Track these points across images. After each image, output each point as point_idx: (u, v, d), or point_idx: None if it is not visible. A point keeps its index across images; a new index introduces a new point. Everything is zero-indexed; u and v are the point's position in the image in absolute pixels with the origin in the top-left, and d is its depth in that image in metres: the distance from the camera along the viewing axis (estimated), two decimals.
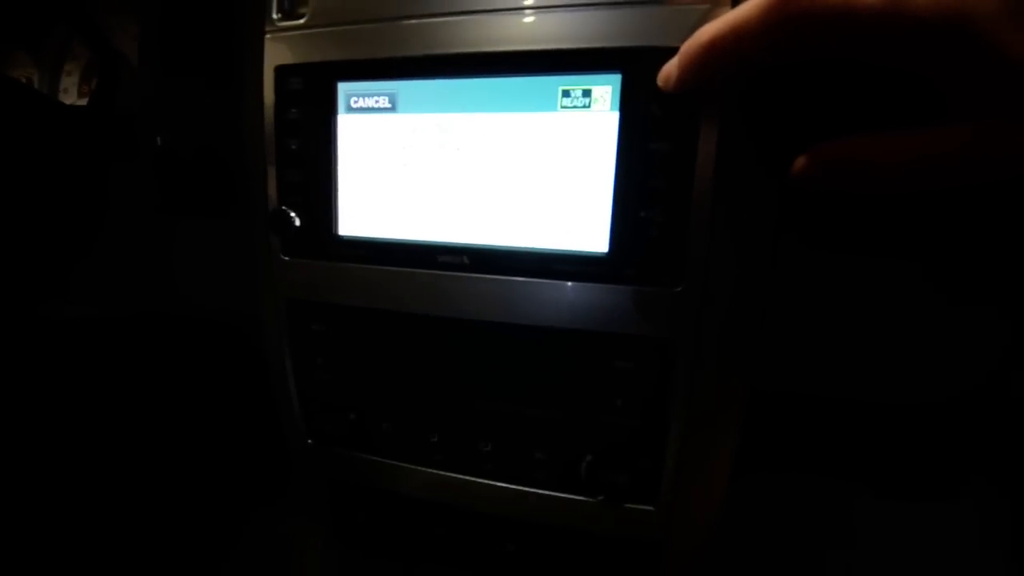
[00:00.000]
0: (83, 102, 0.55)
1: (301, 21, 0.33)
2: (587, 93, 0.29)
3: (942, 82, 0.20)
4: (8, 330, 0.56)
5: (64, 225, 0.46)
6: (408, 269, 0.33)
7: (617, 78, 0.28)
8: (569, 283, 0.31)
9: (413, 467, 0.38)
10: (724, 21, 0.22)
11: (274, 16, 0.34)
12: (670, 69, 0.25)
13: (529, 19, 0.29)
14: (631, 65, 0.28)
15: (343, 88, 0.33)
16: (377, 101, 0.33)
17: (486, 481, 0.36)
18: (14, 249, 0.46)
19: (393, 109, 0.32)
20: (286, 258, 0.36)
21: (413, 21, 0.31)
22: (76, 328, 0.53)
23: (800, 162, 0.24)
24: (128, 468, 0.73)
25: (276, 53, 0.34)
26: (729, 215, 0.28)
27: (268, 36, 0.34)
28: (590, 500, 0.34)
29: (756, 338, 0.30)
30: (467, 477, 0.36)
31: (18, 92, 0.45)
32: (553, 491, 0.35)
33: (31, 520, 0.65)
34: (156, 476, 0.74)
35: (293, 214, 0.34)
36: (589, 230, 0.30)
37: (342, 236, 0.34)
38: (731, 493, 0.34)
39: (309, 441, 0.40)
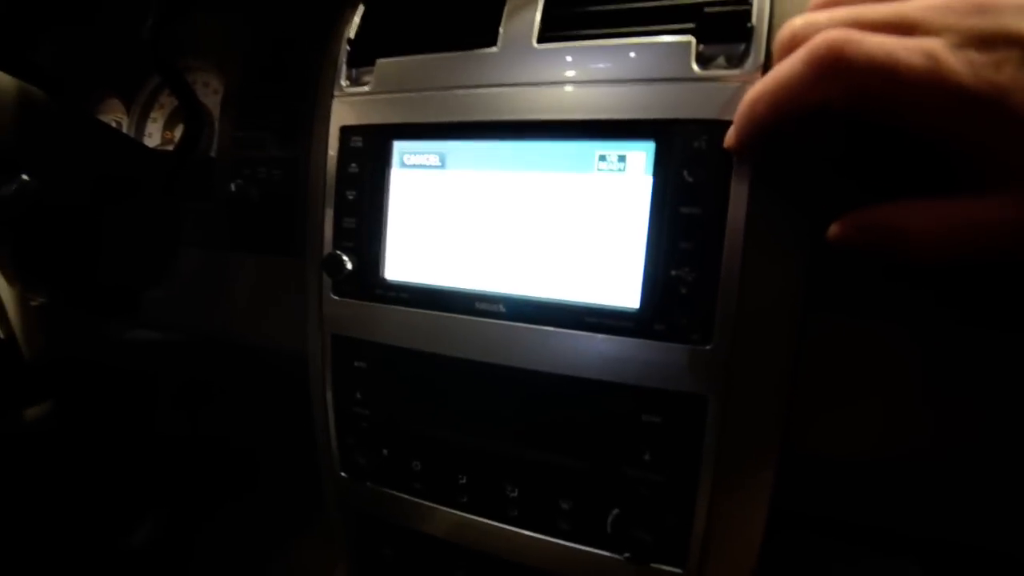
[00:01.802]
0: (167, 147, 0.62)
1: (366, 88, 0.37)
2: (622, 158, 0.31)
3: (980, 152, 0.20)
4: (79, 346, 0.61)
5: (140, 254, 0.51)
6: (447, 314, 0.35)
7: (651, 146, 0.30)
8: (600, 336, 0.32)
9: (439, 507, 0.38)
10: (772, 74, 0.24)
11: (342, 83, 0.38)
12: (729, 134, 0.27)
13: (569, 91, 0.32)
14: (665, 134, 0.30)
15: (398, 146, 0.36)
16: (428, 159, 0.36)
17: (510, 528, 0.36)
18: (95, 271, 0.51)
19: (442, 166, 0.35)
20: (335, 297, 0.39)
21: (463, 91, 0.35)
22: (137, 349, 0.57)
23: (837, 227, 0.24)
24: (162, 489, 0.76)
25: (342, 114, 0.38)
26: (758, 276, 0.29)
27: (335, 99, 0.38)
28: (615, 557, 0.33)
29: (788, 398, 0.30)
30: (492, 522, 0.37)
31: (118, 138, 0.51)
32: (578, 543, 0.34)
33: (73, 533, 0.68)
34: (190, 499, 0.77)
35: (346, 258, 0.36)
36: (621, 286, 0.31)
37: (388, 280, 0.37)
38: (765, 553, 0.32)
39: (342, 473, 0.42)
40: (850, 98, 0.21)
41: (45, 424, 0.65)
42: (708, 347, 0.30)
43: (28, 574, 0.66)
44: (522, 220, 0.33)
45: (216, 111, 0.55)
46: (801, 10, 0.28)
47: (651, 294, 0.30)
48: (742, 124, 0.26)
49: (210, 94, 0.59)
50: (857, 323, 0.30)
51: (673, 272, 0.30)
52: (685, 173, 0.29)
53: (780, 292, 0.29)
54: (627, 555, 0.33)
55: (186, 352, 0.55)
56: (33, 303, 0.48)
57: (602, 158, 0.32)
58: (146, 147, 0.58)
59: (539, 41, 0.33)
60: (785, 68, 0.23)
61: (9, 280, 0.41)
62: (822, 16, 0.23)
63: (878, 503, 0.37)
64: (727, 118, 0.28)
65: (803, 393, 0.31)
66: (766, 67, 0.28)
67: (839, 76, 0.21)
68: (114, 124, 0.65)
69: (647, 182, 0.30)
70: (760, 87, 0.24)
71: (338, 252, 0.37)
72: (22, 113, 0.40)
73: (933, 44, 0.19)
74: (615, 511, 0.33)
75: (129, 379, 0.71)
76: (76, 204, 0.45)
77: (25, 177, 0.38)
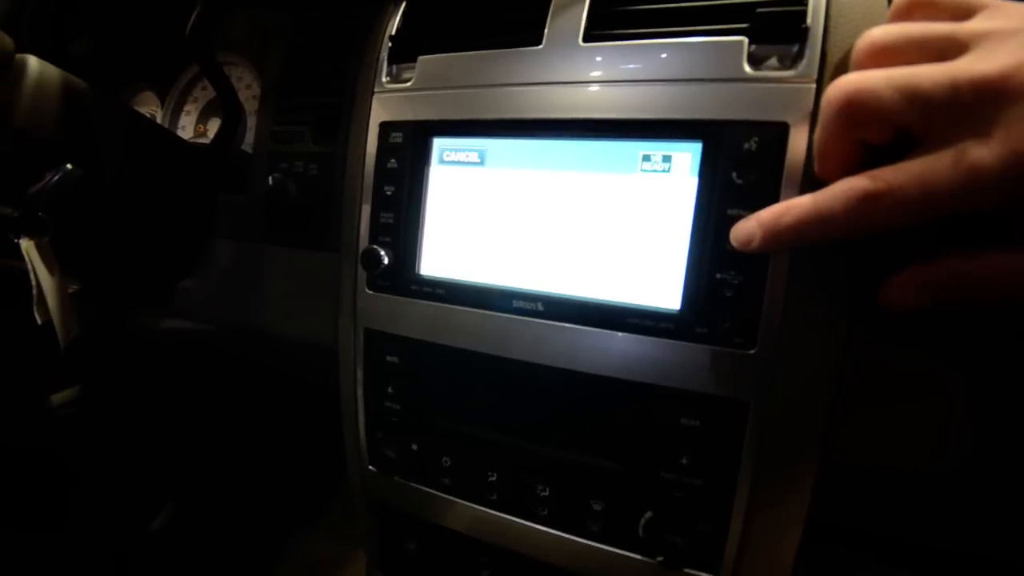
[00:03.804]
0: (199, 140, 0.63)
1: (407, 84, 0.38)
2: (667, 159, 0.31)
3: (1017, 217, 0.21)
4: (110, 335, 0.62)
5: (174, 245, 0.52)
6: (484, 311, 0.35)
7: (698, 146, 0.30)
8: (639, 337, 0.31)
9: (468, 504, 0.38)
10: (810, 209, 0.24)
11: (383, 79, 0.39)
12: (751, 234, 0.26)
13: (614, 90, 0.32)
14: (713, 135, 0.29)
15: (438, 143, 0.37)
16: (467, 156, 0.36)
17: (540, 527, 0.36)
18: (129, 262, 0.52)
19: (481, 163, 0.35)
20: (370, 292, 0.39)
21: (506, 88, 0.35)
22: (167, 338, 0.58)
23: (897, 286, 0.24)
24: (186, 476, 0.77)
25: (382, 111, 0.38)
26: (806, 281, 0.28)
27: (375, 95, 0.39)
28: (647, 560, 0.33)
29: (831, 407, 0.30)
30: (521, 520, 0.37)
31: (156, 130, 0.52)
32: (608, 546, 0.34)
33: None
34: (212, 487, 0.78)
35: (383, 252, 0.37)
36: (661, 287, 0.31)
37: (424, 276, 0.37)
38: (799, 565, 0.32)
39: (371, 467, 0.42)
40: (890, 225, 0.22)
41: (73, 408, 0.66)
42: (751, 351, 0.29)
43: (53, 555, 0.67)
44: (562, 219, 0.33)
45: (248, 107, 0.56)
46: (859, 11, 0.28)
47: (693, 296, 0.30)
48: (770, 239, 0.26)
49: (242, 89, 0.60)
50: (902, 333, 0.30)
51: (718, 275, 0.29)
52: (734, 175, 0.29)
53: (828, 298, 0.29)
54: (660, 559, 0.32)
55: (215, 342, 0.56)
56: (70, 290, 0.49)
57: (646, 158, 0.31)
58: (183, 140, 0.59)
59: (585, 40, 0.33)
60: (826, 203, 0.23)
61: (50, 268, 0.42)
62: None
63: (912, 518, 0.36)
64: (780, 119, 0.28)
65: (846, 402, 0.30)
66: (821, 69, 0.28)
67: (877, 213, 0.22)
68: (150, 116, 0.66)
69: (692, 183, 0.30)
70: (799, 216, 0.24)
71: (376, 247, 0.37)
72: (67, 104, 0.41)
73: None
74: (648, 514, 0.33)
75: (155, 367, 0.73)
76: (115, 194, 0.45)
77: (70, 166, 0.39)
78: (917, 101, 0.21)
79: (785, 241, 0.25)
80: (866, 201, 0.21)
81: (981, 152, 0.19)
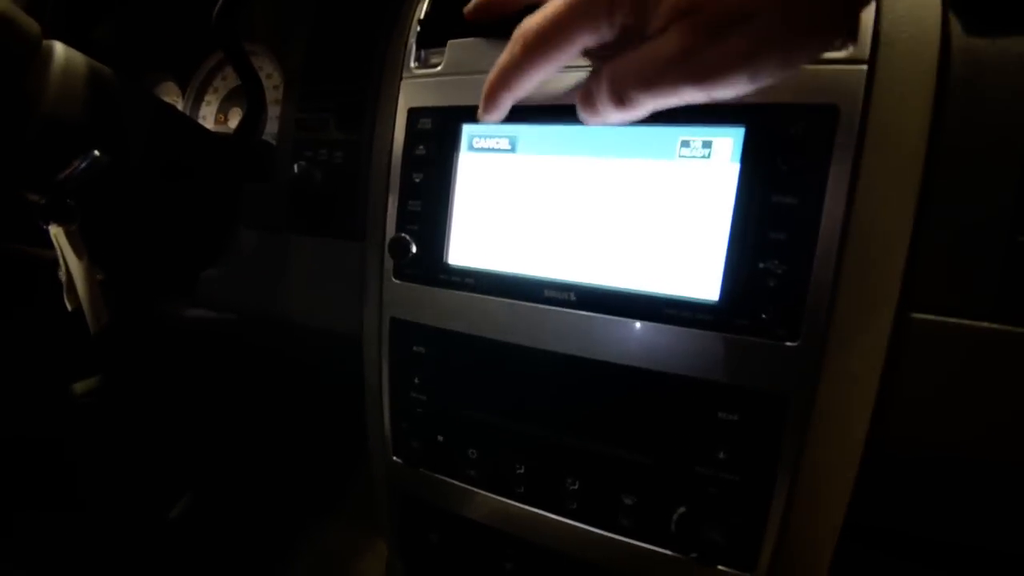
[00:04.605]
0: (220, 129, 0.63)
1: (436, 69, 0.37)
2: (707, 144, 0.30)
3: None
4: (134, 323, 0.63)
5: (198, 234, 0.52)
6: (514, 301, 0.34)
7: (740, 131, 0.29)
8: (676, 328, 0.31)
9: (494, 496, 0.38)
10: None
11: (412, 65, 0.38)
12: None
13: None
14: (756, 119, 0.28)
15: (467, 129, 0.36)
16: (498, 142, 0.35)
17: (568, 521, 0.36)
18: (154, 251, 0.52)
19: (512, 150, 0.35)
20: (397, 281, 0.39)
21: None
22: (190, 326, 0.58)
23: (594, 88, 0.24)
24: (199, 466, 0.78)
25: (410, 96, 0.38)
26: (855, 271, 0.27)
27: (403, 81, 0.38)
28: (679, 557, 0.32)
29: (876, 402, 0.29)
30: (548, 514, 0.36)
31: (181, 119, 0.52)
32: (639, 541, 0.34)
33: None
34: (230, 475, 0.79)
35: (411, 240, 0.36)
36: (700, 277, 0.30)
37: (452, 265, 0.37)
38: (835, 568, 0.31)
39: (395, 458, 0.42)
40: None
41: (100, 396, 0.67)
42: (794, 344, 0.28)
43: (72, 540, 0.68)
44: (595, 207, 0.32)
45: (269, 97, 0.55)
46: None
47: (733, 286, 0.29)
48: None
49: (263, 78, 0.59)
50: (953, 324, 0.29)
51: (761, 264, 0.28)
52: (779, 160, 0.28)
53: (877, 289, 0.28)
54: (694, 555, 0.32)
55: (238, 331, 0.56)
56: (98, 277, 0.49)
57: (685, 144, 0.30)
58: (207, 129, 0.59)
59: None
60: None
61: (79, 255, 0.42)
62: None
63: (953, 515, 0.35)
64: (828, 101, 0.27)
65: (893, 395, 0.29)
66: (874, 50, 0.27)
67: None
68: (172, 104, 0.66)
69: (733, 169, 0.29)
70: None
71: (404, 235, 0.36)
72: (93, 89, 0.40)
73: None
74: (681, 509, 0.32)
75: (178, 355, 0.73)
76: (141, 182, 0.45)
77: (97, 152, 0.39)
78: None
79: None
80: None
81: None
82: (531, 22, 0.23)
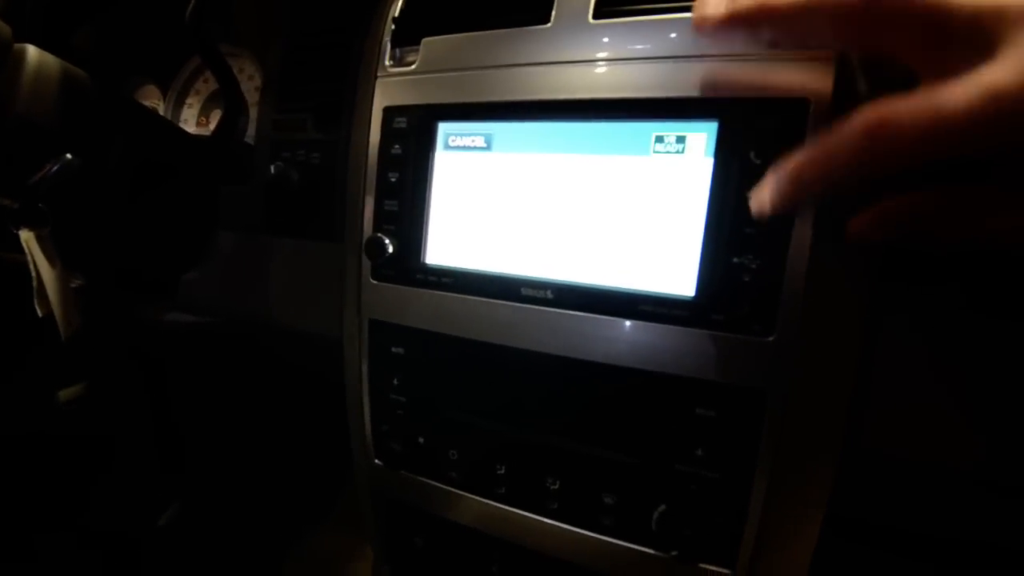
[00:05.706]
0: (202, 132, 0.63)
1: (410, 68, 0.37)
2: (681, 139, 0.30)
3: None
4: (114, 328, 0.62)
5: (177, 237, 0.51)
6: (491, 300, 0.34)
7: (714, 126, 0.29)
8: (652, 324, 0.30)
9: (476, 498, 0.38)
10: (815, 152, 0.22)
11: (386, 63, 0.38)
12: (763, 197, 0.25)
13: (626, 68, 0.31)
14: (729, 114, 0.28)
15: (443, 128, 0.36)
16: (473, 140, 0.35)
17: (549, 521, 0.35)
18: (133, 254, 0.52)
19: (488, 148, 0.34)
20: (375, 282, 0.38)
21: (513, 69, 0.33)
22: (171, 331, 0.57)
23: (862, 220, 0.23)
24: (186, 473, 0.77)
25: (385, 95, 0.37)
26: (828, 265, 0.27)
27: (379, 80, 0.38)
28: (659, 555, 0.32)
29: (853, 396, 0.28)
30: (530, 514, 0.36)
31: (158, 122, 0.51)
32: (620, 540, 0.33)
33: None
34: (216, 483, 0.78)
35: (387, 241, 0.36)
36: (675, 273, 0.30)
37: (429, 265, 0.36)
38: (816, 563, 0.31)
39: (376, 461, 0.41)
40: (898, 163, 0.20)
41: (78, 404, 0.66)
42: (770, 338, 0.28)
43: (57, 548, 0.67)
44: (571, 204, 0.32)
45: (250, 99, 0.55)
46: None
47: (709, 282, 0.29)
48: (781, 194, 0.24)
49: (244, 80, 0.59)
50: (928, 316, 0.29)
51: (735, 259, 0.28)
52: (752, 154, 0.27)
53: (851, 282, 0.27)
54: (675, 553, 0.31)
55: (219, 335, 0.55)
56: (72, 284, 0.48)
57: (659, 139, 0.30)
58: (185, 132, 0.58)
59: (595, 16, 0.31)
60: (832, 144, 0.21)
61: (51, 260, 0.41)
62: None
63: (932, 509, 0.35)
64: (799, 95, 0.27)
65: (869, 390, 0.29)
66: None
67: (884, 150, 0.20)
68: (152, 109, 0.65)
69: (707, 164, 0.29)
70: (804, 160, 0.23)
71: (380, 235, 0.36)
72: (67, 92, 0.40)
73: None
74: (661, 507, 0.32)
75: (160, 360, 0.72)
76: (116, 186, 0.45)
77: (69, 156, 0.38)
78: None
79: (789, 193, 0.24)
80: (875, 130, 0.20)
81: (995, 72, 0.18)
82: None
